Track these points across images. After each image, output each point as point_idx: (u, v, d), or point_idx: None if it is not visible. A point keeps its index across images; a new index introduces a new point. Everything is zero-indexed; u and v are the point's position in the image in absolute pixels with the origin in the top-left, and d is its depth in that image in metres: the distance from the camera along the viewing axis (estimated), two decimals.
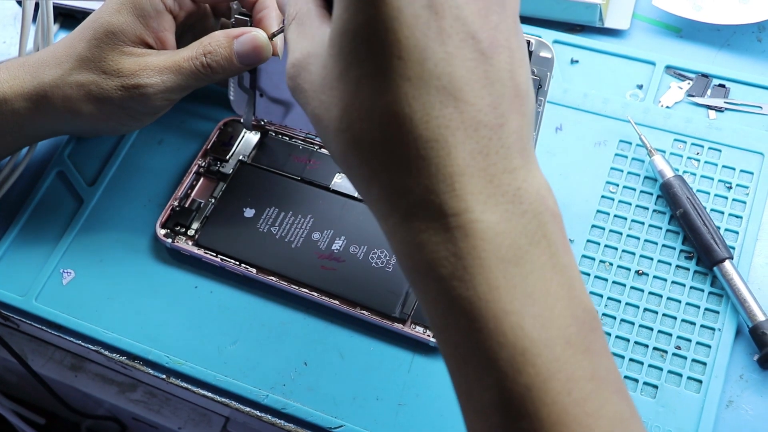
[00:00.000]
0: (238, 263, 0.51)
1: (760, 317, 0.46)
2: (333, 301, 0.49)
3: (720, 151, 0.53)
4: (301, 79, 0.35)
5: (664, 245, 0.50)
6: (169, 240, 0.52)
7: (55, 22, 0.64)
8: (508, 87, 0.33)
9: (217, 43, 0.49)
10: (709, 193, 0.52)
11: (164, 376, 0.50)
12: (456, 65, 0.31)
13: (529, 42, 0.47)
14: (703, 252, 0.49)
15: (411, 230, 0.32)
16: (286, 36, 0.37)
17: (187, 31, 0.53)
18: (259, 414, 0.48)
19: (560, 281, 0.32)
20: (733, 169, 0.52)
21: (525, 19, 0.60)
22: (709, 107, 0.55)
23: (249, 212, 0.53)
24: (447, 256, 0.31)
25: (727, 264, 0.48)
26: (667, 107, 0.55)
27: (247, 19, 0.52)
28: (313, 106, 0.35)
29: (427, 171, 0.31)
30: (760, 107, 0.54)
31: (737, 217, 0.51)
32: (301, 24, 0.36)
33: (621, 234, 0.51)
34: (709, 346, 0.47)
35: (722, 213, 0.51)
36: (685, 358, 0.47)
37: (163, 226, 0.53)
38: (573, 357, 0.31)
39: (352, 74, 0.32)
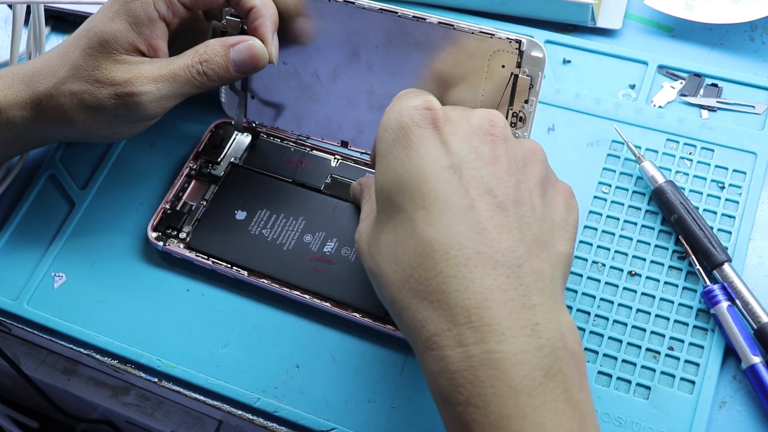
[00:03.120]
0: (229, 266, 0.51)
1: (764, 318, 0.46)
2: (325, 303, 0.49)
3: (713, 150, 0.53)
4: (362, 240, 0.42)
5: (656, 246, 0.50)
6: (161, 243, 0.52)
7: (46, 25, 0.64)
8: (527, 236, 0.37)
9: (213, 51, 0.49)
10: (701, 193, 0.51)
11: (156, 380, 0.49)
12: (473, 214, 0.37)
13: (520, 42, 0.47)
14: (701, 256, 0.48)
15: (432, 358, 0.36)
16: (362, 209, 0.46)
17: (178, 36, 0.53)
18: (251, 417, 0.48)
19: (572, 415, 0.34)
20: (726, 168, 0.52)
21: (517, 19, 0.60)
22: (701, 107, 0.55)
23: (240, 215, 0.52)
24: (464, 383, 0.34)
25: (726, 267, 0.48)
26: (660, 107, 0.55)
27: (238, 20, 0.51)
28: (367, 260, 0.41)
29: (447, 303, 0.35)
30: (753, 107, 0.54)
31: (730, 217, 0.51)
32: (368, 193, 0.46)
33: (613, 235, 0.51)
34: (702, 347, 0.47)
35: (715, 213, 0.51)
36: (678, 359, 0.47)
37: (154, 229, 0.53)
38: None
39: (389, 225, 0.39)
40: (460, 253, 0.36)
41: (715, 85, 0.55)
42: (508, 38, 0.47)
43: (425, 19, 0.49)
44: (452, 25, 0.48)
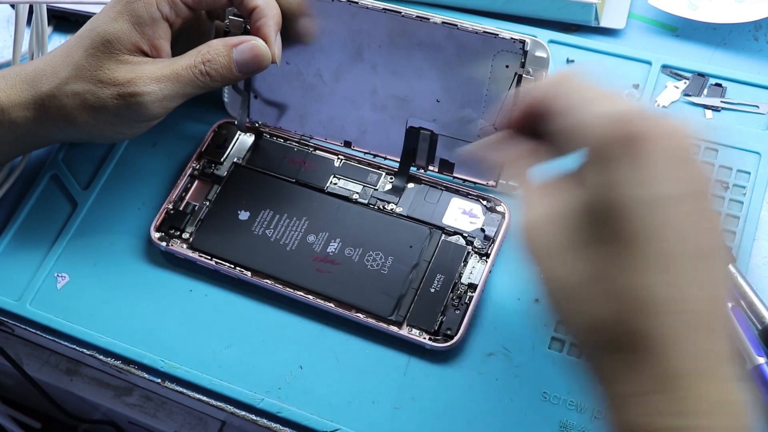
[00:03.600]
0: (232, 266, 0.51)
1: None
2: (328, 303, 0.49)
3: (717, 150, 0.53)
4: (539, 240, 0.36)
5: None
6: (164, 243, 0.52)
7: (48, 24, 0.64)
8: (713, 294, 0.32)
9: (216, 51, 0.49)
10: None
11: (159, 380, 0.49)
12: (672, 262, 0.32)
13: (524, 42, 0.47)
14: None
15: (616, 412, 0.33)
16: (525, 195, 0.38)
17: (181, 36, 0.53)
18: (254, 418, 0.48)
19: None
20: (730, 168, 0.52)
21: (520, 19, 0.60)
22: (705, 107, 0.55)
23: (244, 215, 0.52)
24: None
25: (730, 267, 0.48)
26: (664, 107, 0.55)
27: (241, 20, 0.51)
28: (548, 266, 0.35)
29: (651, 364, 0.31)
30: (757, 106, 0.54)
31: (734, 217, 0.50)
32: (542, 187, 0.37)
33: None
34: None
35: (719, 213, 0.51)
36: None
37: (157, 230, 0.53)
38: None
39: (594, 248, 0.33)
40: (676, 308, 0.32)
41: (719, 85, 0.55)
42: (511, 38, 0.47)
43: (429, 18, 0.49)
44: (456, 25, 0.48)
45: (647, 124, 0.33)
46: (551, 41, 0.59)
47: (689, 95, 0.55)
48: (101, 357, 0.50)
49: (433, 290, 0.48)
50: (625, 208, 0.32)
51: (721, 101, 0.54)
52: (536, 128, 0.39)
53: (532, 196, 0.37)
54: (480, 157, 0.42)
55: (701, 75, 0.56)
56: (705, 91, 0.55)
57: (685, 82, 0.56)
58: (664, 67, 0.56)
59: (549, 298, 0.36)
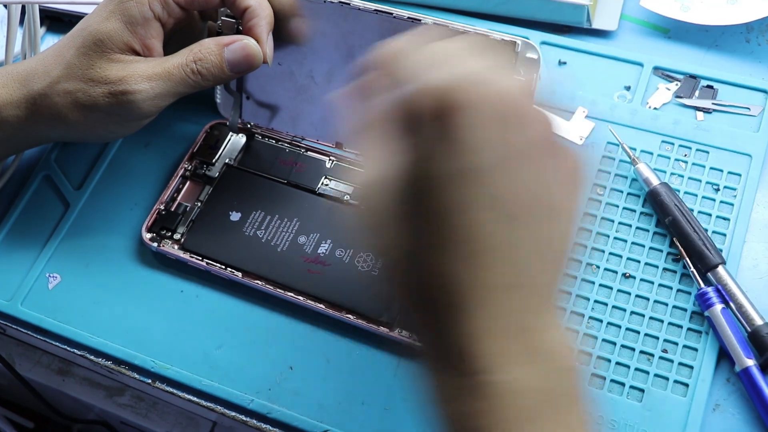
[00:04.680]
0: (223, 267, 0.51)
1: (758, 321, 0.46)
2: (319, 305, 0.49)
3: (708, 152, 0.53)
4: (372, 201, 0.35)
5: (651, 248, 0.50)
6: (155, 244, 0.52)
7: (42, 25, 0.64)
8: (532, 250, 0.33)
9: (208, 50, 0.49)
10: (696, 195, 0.51)
11: (150, 381, 0.49)
12: (479, 231, 0.32)
13: (514, 43, 0.47)
14: (695, 258, 0.48)
15: (439, 384, 0.34)
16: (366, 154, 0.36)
17: (174, 36, 0.53)
18: (244, 419, 0.48)
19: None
20: (721, 170, 0.52)
21: (512, 20, 0.60)
22: (696, 108, 0.55)
23: (235, 216, 0.52)
24: (469, 412, 0.33)
25: (720, 269, 0.48)
26: (655, 109, 0.55)
27: (234, 20, 0.51)
28: (378, 237, 0.35)
29: (449, 332, 0.33)
30: (748, 108, 0.54)
31: (725, 219, 0.50)
32: (383, 139, 0.35)
33: (608, 237, 0.51)
34: (696, 350, 0.47)
35: (710, 215, 0.51)
36: (671, 361, 0.46)
37: (148, 230, 0.53)
38: None
39: (405, 228, 0.34)
40: (462, 279, 0.33)
41: (711, 87, 0.55)
42: (502, 39, 0.47)
43: (420, 20, 0.49)
44: (447, 27, 0.48)
45: (462, 93, 0.32)
46: (543, 42, 0.59)
47: (681, 97, 0.55)
48: (92, 357, 0.50)
49: None
50: (433, 184, 0.32)
51: (713, 103, 0.55)
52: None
53: (372, 157, 0.36)
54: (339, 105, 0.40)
55: (693, 77, 0.56)
56: (696, 93, 0.55)
57: (676, 84, 0.56)
58: (656, 68, 0.56)
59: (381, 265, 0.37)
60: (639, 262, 0.50)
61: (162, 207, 0.53)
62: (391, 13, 0.49)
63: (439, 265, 0.33)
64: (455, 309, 0.33)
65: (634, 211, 0.51)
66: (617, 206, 0.52)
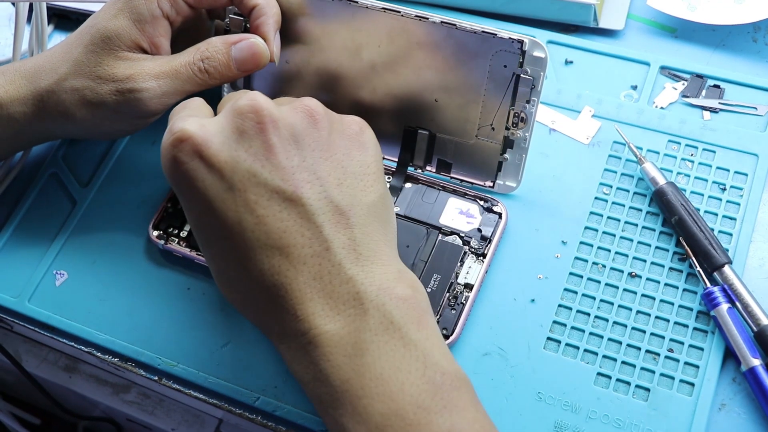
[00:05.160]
0: None
1: (764, 321, 0.46)
2: None
3: (714, 152, 0.53)
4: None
5: (657, 247, 0.50)
6: (162, 241, 0.52)
7: (49, 23, 0.64)
8: (326, 213, 0.40)
9: (215, 48, 0.49)
10: (702, 195, 0.51)
11: (156, 378, 0.49)
12: (269, 223, 0.39)
13: (522, 41, 0.47)
14: (701, 258, 0.48)
15: (283, 352, 0.41)
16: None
17: (182, 34, 0.53)
18: (250, 416, 0.48)
19: (412, 355, 0.38)
20: (728, 170, 0.52)
21: (519, 19, 0.60)
22: (703, 108, 0.55)
23: None
24: (306, 365, 0.39)
25: (726, 269, 0.48)
26: (662, 108, 0.55)
27: (241, 18, 0.51)
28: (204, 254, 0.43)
29: (276, 309, 0.39)
30: (755, 108, 0.54)
31: (731, 219, 0.50)
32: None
33: (614, 236, 0.51)
34: (702, 349, 0.47)
35: (716, 215, 0.51)
36: (677, 361, 0.46)
37: (155, 228, 0.53)
38: (427, 417, 0.36)
39: (208, 253, 0.42)
40: (270, 264, 0.39)
41: (718, 87, 0.55)
42: (510, 38, 0.47)
43: (428, 18, 0.49)
44: (455, 25, 0.48)
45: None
46: (550, 42, 0.59)
47: (687, 96, 0.55)
48: (99, 354, 0.51)
49: (429, 290, 0.48)
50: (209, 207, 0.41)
51: (719, 103, 0.54)
52: None
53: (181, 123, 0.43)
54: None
55: (699, 76, 0.56)
56: (703, 93, 0.55)
57: (683, 84, 0.56)
58: (663, 68, 0.56)
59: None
60: (645, 261, 0.50)
61: (169, 205, 0.53)
62: (399, 12, 0.49)
63: (247, 264, 0.39)
64: (271, 293, 0.39)
65: (641, 210, 0.51)
66: (623, 205, 0.52)
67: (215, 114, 0.44)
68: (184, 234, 0.53)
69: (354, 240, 0.40)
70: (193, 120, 0.41)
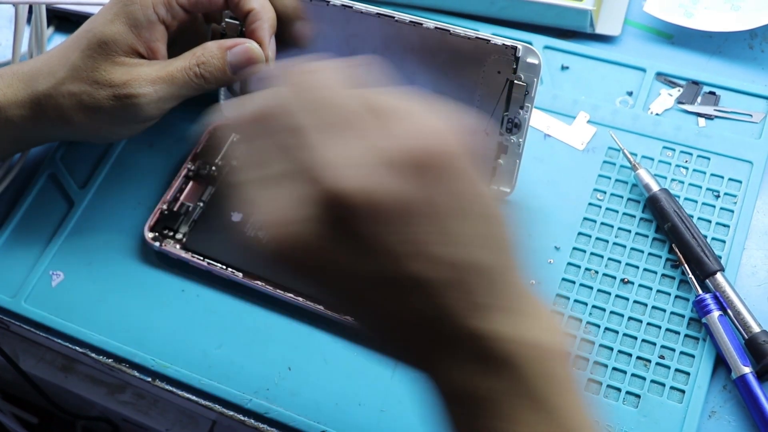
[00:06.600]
0: (224, 267, 0.51)
1: (756, 328, 0.46)
2: (317, 305, 0.49)
3: (709, 159, 0.53)
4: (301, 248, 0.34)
5: (650, 254, 0.50)
6: (157, 243, 0.52)
7: (50, 25, 0.65)
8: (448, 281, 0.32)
9: (211, 53, 0.49)
10: (696, 202, 0.51)
11: (150, 379, 0.50)
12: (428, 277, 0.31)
13: (515, 48, 0.47)
14: (693, 265, 0.48)
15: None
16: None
17: (178, 38, 0.53)
18: (242, 418, 0.48)
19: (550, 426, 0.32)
20: (722, 177, 0.52)
21: (516, 24, 0.60)
22: (698, 115, 0.55)
23: (236, 216, 0.53)
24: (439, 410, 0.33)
25: (719, 276, 0.48)
26: (657, 114, 0.55)
27: (237, 23, 0.52)
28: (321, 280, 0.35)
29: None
30: (750, 115, 0.54)
31: (725, 226, 0.50)
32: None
33: (607, 242, 0.51)
34: (692, 356, 0.47)
35: (709, 222, 0.51)
36: (668, 367, 0.47)
37: (151, 230, 0.53)
38: None
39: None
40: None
41: (713, 93, 0.55)
42: (504, 44, 0.48)
43: (422, 24, 0.49)
44: (448, 30, 0.48)
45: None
46: (546, 47, 0.59)
47: (683, 103, 0.55)
48: (93, 355, 0.51)
49: None
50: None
51: (715, 109, 0.55)
52: None
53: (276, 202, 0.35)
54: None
55: (695, 83, 0.56)
56: (699, 99, 0.55)
57: (679, 90, 0.56)
58: (659, 74, 0.56)
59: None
60: (638, 267, 0.50)
61: (165, 207, 0.54)
62: (393, 17, 0.49)
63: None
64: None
65: (634, 216, 0.51)
66: (617, 211, 0.52)
67: None
68: (179, 236, 0.53)
69: (491, 287, 0.33)
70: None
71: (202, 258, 0.52)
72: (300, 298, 0.49)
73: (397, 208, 0.31)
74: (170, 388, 0.49)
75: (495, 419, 0.32)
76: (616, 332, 0.48)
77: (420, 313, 0.32)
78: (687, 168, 0.53)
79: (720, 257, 0.49)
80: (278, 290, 0.50)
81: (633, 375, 0.46)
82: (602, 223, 0.51)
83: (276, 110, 0.34)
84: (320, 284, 0.34)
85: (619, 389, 0.46)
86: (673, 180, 0.52)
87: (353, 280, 0.32)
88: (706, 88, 0.55)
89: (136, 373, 0.50)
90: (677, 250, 0.49)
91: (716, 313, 0.46)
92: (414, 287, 0.32)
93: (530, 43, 0.56)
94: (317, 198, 0.31)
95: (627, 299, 0.49)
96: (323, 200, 0.31)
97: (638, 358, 0.47)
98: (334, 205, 0.31)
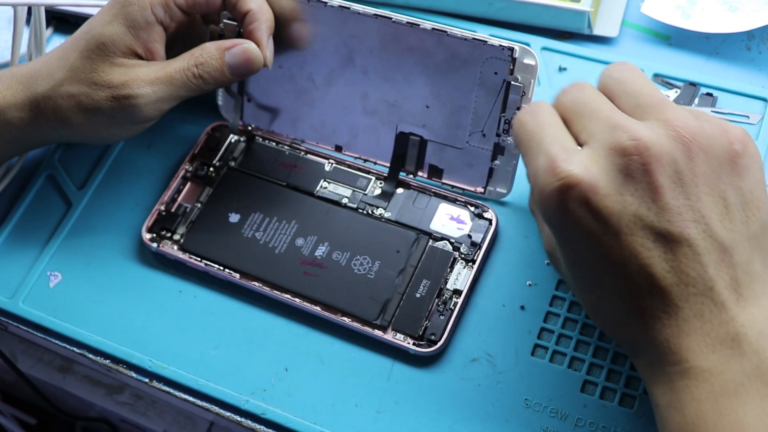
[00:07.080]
0: (222, 268, 0.51)
1: None
2: (315, 307, 0.49)
3: None
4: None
5: None
6: (155, 244, 0.53)
7: (48, 26, 0.65)
8: (711, 252, 0.38)
9: (209, 54, 0.50)
10: None
11: (147, 380, 0.50)
12: (654, 265, 0.38)
13: (512, 49, 0.47)
14: None
15: (641, 370, 0.40)
16: None
17: (176, 39, 0.53)
18: (239, 419, 0.48)
19: None
20: None
21: (513, 26, 0.60)
22: None
23: (234, 217, 0.53)
24: (666, 390, 0.38)
25: None
26: None
27: (235, 24, 0.52)
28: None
29: (647, 337, 0.39)
30: (747, 116, 0.54)
31: None
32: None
33: None
34: None
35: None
36: None
37: (149, 231, 0.53)
38: None
39: (580, 284, 0.42)
40: (650, 303, 0.38)
41: (710, 95, 0.55)
42: (500, 45, 0.48)
43: (419, 25, 0.49)
44: (445, 32, 0.48)
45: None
46: (544, 48, 0.59)
47: (680, 104, 0.55)
48: (91, 356, 0.51)
49: (418, 295, 0.49)
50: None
51: (712, 111, 0.54)
52: None
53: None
54: None
55: (693, 84, 0.56)
56: (696, 101, 0.55)
57: (676, 91, 0.56)
58: (656, 75, 0.56)
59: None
60: None
61: (162, 208, 0.54)
62: (391, 18, 0.49)
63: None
64: (648, 324, 0.38)
65: None
66: None
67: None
68: (177, 237, 0.53)
69: (736, 280, 0.38)
70: (576, 161, 0.39)
71: (199, 259, 0.52)
72: (297, 299, 0.49)
73: (707, 175, 0.38)
74: (167, 388, 0.49)
75: (730, 396, 0.36)
76: None
77: (686, 277, 0.37)
78: None
79: None
80: (275, 291, 0.50)
81: (629, 376, 0.46)
82: None
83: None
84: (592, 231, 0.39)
85: (615, 390, 0.46)
86: None
87: (632, 226, 0.38)
88: (704, 90, 0.55)
89: (134, 374, 0.50)
90: None
91: None
92: (688, 249, 0.37)
93: (528, 45, 0.56)
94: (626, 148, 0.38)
95: None
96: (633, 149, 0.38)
97: None
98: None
